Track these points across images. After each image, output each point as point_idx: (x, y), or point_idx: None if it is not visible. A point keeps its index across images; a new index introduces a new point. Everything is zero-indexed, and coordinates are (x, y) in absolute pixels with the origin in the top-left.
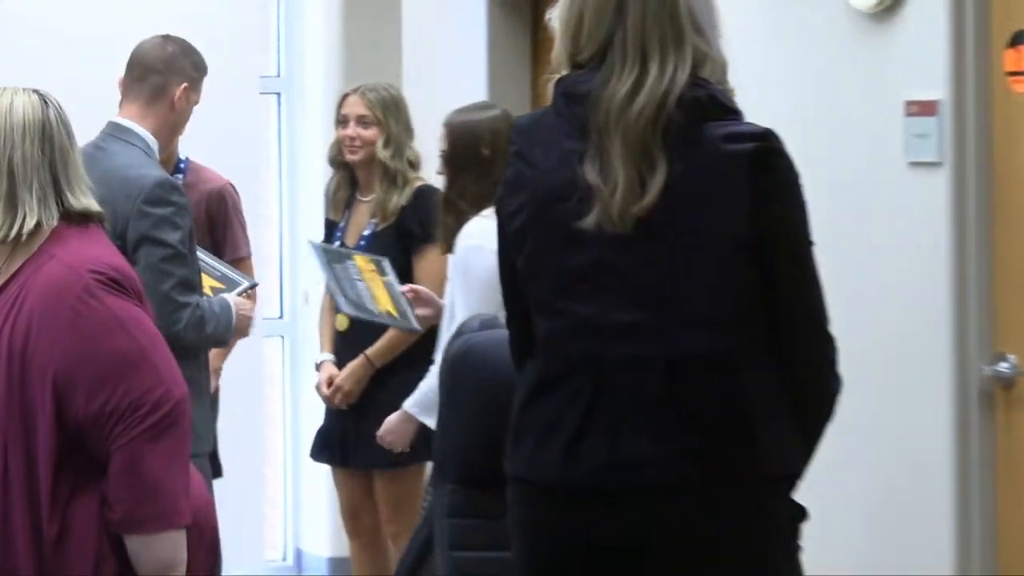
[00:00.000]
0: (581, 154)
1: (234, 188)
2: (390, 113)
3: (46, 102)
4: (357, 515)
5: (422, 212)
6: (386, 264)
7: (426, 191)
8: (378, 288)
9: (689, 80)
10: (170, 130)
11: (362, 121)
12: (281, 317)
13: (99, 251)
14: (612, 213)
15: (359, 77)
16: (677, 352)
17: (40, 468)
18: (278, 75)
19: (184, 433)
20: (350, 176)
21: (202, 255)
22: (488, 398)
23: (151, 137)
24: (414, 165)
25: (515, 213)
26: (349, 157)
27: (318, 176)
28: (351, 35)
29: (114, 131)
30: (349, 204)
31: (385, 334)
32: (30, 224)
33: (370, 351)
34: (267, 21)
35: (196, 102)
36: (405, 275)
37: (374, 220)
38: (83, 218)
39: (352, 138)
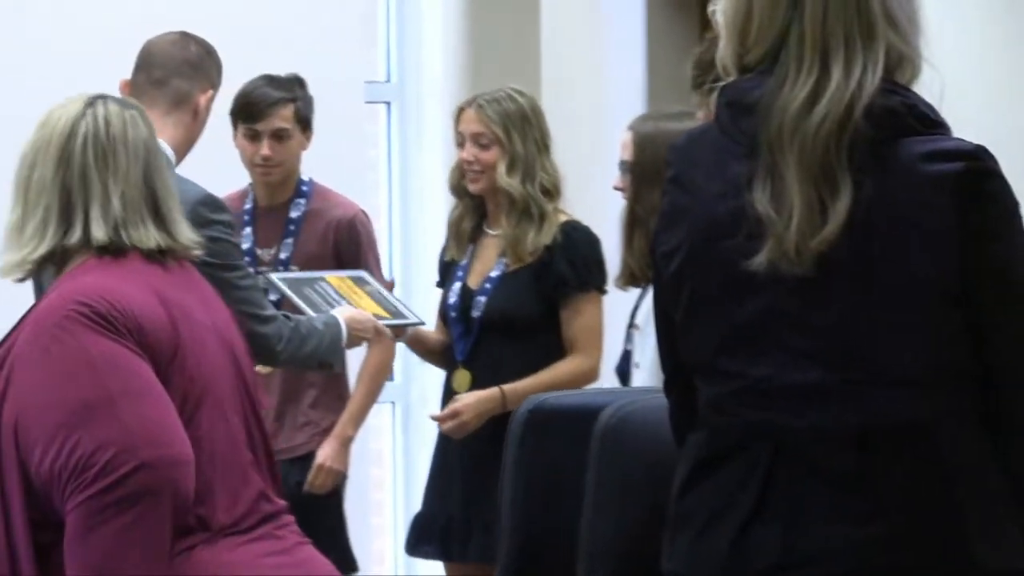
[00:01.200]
0: (750, 178)
1: (367, 216)
2: (515, 129)
3: (88, 111)
4: None
5: (573, 253)
6: (365, 275)
7: (575, 227)
8: (363, 300)
9: (881, 85)
10: (189, 143)
11: (479, 141)
12: (391, 379)
13: (107, 282)
14: (787, 249)
15: (488, 81)
16: (870, 419)
17: (18, 544)
18: (387, 80)
19: (155, 508)
20: (477, 204)
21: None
22: (647, 474)
23: (170, 149)
24: (550, 193)
25: (671, 253)
26: (470, 186)
27: (439, 204)
28: (478, 30)
29: None
30: (474, 239)
31: (536, 375)
32: (71, 242)
33: (508, 387)
34: (373, 14)
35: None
36: (541, 327)
37: (504, 260)
38: (116, 250)
39: (469, 162)
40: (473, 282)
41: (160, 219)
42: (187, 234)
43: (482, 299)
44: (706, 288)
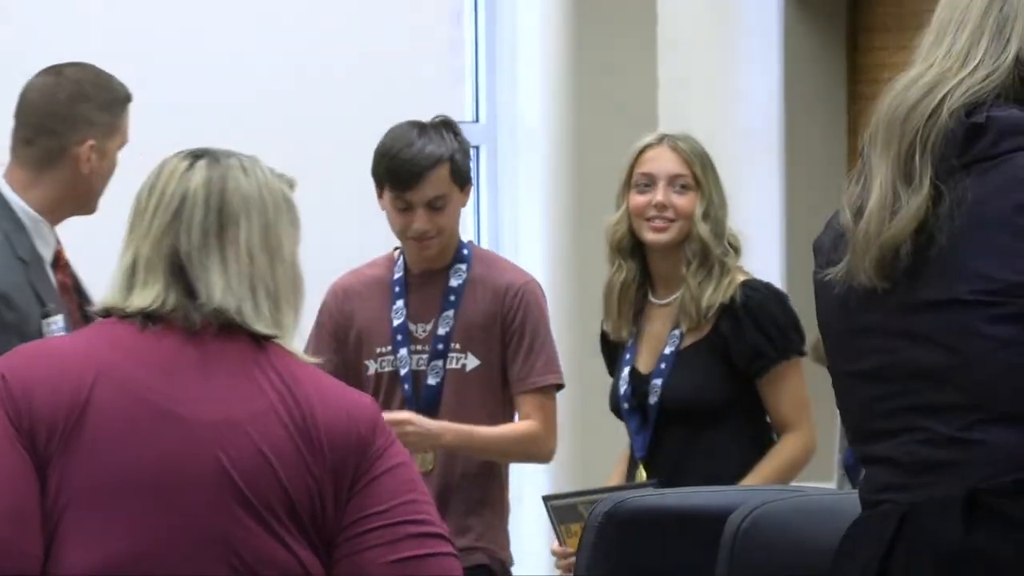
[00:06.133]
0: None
1: (539, 288)
2: (709, 173)
3: (156, 168)
4: None
5: (763, 318)
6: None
7: (755, 287)
8: None
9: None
10: (77, 199)
11: (676, 183)
12: None
13: (44, 346)
14: (857, 249)
15: (599, 110)
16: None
17: None
18: (476, 120)
19: None
20: (643, 268)
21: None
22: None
23: (31, 211)
24: (737, 250)
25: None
26: (652, 236)
27: (537, 270)
28: (584, 59)
29: None
30: (638, 313)
31: (754, 473)
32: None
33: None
34: (459, 42)
35: (118, 148)
36: (729, 412)
37: (677, 331)
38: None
39: (664, 207)
40: (644, 364)
41: (179, 278)
42: (219, 297)
43: (658, 382)
44: (823, 315)
